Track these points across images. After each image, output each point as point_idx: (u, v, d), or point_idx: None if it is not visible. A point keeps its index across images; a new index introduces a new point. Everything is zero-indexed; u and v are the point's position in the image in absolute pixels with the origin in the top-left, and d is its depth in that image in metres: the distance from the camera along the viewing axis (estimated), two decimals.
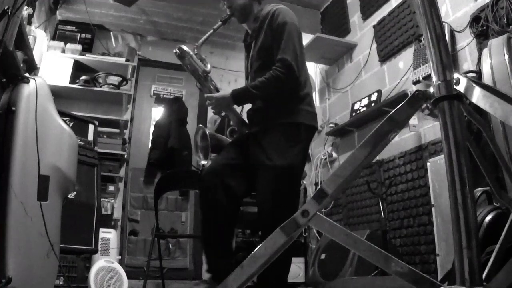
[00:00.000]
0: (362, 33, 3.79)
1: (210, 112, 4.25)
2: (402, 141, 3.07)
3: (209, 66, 1.95)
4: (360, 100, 3.60)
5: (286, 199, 1.71)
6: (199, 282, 1.74)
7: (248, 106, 2.00)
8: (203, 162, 1.98)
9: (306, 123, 1.81)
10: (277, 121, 1.79)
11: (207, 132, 1.99)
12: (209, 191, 1.76)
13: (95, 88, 3.78)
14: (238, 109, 1.98)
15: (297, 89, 1.82)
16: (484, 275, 0.74)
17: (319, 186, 0.92)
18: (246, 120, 1.98)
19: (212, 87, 1.92)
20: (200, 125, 2.20)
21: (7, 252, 1.33)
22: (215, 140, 2.00)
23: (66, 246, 1.97)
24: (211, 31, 1.93)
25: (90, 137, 2.66)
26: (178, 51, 1.87)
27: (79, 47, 3.85)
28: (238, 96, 1.82)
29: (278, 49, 1.77)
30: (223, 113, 1.96)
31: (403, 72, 3.11)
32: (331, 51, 4.01)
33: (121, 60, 3.96)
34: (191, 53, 1.88)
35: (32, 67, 3.02)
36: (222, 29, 1.99)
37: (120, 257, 3.32)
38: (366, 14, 3.72)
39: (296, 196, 1.81)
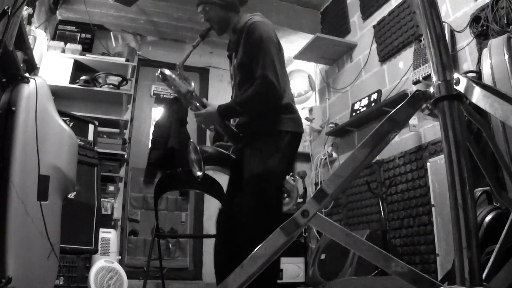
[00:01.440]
0: (362, 33, 3.79)
1: None
2: (402, 141, 3.07)
3: (192, 85, 1.96)
4: (360, 100, 3.60)
5: (263, 204, 1.72)
6: None
7: None
8: (199, 173, 2.02)
9: (287, 130, 1.83)
10: (260, 130, 1.84)
11: (198, 147, 2.03)
12: (223, 236, 1.88)
13: (95, 88, 3.77)
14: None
15: (277, 101, 1.85)
16: (484, 275, 0.74)
17: (319, 186, 0.92)
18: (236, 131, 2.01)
19: (198, 104, 1.93)
20: (191, 140, 2.24)
21: (7, 252, 1.34)
22: (205, 153, 2.04)
23: (66, 246, 1.97)
24: (192, 48, 1.96)
25: (90, 137, 2.66)
26: (160, 76, 1.90)
27: (79, 47, 3.85)
28: (224, 112, 1.86)
29: (257, 65, 1.79)
30: (212, 126, 1.98)
31: (403, 72, 3.11)
32: (331, 51, 4.01)
33: (121, 60, 3.96)
34: (173, 76, 1.91)
35: (32, 67, 3.02)
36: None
37: (120, 257, 3.32)
38: (366, 14, 3.72)
39: (277, 201, 1.82)
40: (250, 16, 1.94)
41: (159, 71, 1.90)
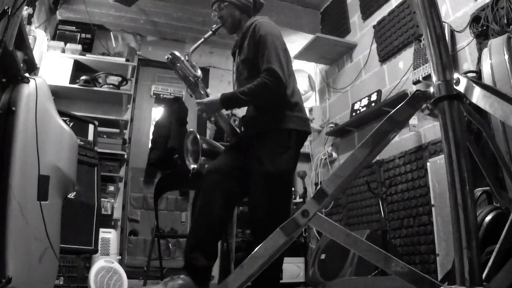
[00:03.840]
0: (362, 33, 3.79)
1: None
2: (402, 141, 3.07)
3: (199, 72, 1.98)
4: (360, 100, 3.60)
5: (277, 203, 1.76)
6: (173, 277, 1.72)
7: (242, 113, 2.04)
8: (193, 166, 2.00)
9: (297, 129, 1.86)
10: (269, 127, 1.85)
11: (198, 137, 2.01)
12: (209, 191, 1.79)
13: (95, 88, 3.77)
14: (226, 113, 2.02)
15: (286, 98, 1.86)
16: (484, 275, 0.74)
17: (319, 186, 0.92)
18: (237, 128, 2.03)
19: (202, 92, 1.95)
20: (191, 129, 2.23)
21: (7, 252, 1.33)
22: (207, 144, 2.02)
23: (66, 246, 1.97)
24: (202, 39, 2.00)
25: (90, 137, 2.65)
26: (170, 56, 1.92)
27: (79, 47, 3.85)
28: (227, 100, 1.87)
29: (263, 59, 1.81)
30: (213, 119, 1.99)
31: (403, 72, 3.11)
32: (331, 51, 4.01)
33: (121, 60, 3.96)
34: (183, 58, 1.93)
35: (32, 67, 3.02)
36: (222, 29, 2.06)
37: (120, 257, 3.32)
38: (366, 14, 3.72)
39: (288, 200, 1.86)
40: (257, 17, 1.98)
41: (169, 53, 1.92)
